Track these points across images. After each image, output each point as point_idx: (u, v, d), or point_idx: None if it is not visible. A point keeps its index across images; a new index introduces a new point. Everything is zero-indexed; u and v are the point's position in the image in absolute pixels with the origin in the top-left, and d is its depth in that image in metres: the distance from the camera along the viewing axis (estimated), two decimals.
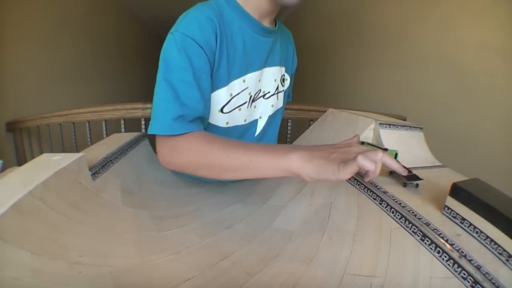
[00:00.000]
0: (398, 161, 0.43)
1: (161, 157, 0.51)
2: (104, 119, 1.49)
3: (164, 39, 0.53)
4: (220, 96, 0.57)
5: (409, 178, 0.48)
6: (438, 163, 0.62)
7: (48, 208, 0.41)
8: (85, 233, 0.44)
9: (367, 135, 0.65)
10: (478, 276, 0.30)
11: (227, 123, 0.61)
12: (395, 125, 0.65)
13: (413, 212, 0.40)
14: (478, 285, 0.30)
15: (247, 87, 0.61)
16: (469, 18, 1.36)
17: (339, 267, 0.40)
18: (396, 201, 0.42)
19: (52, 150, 1.80)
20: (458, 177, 0.43)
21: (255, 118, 0.68)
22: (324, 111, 0.85)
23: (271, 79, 0.67)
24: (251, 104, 0.64)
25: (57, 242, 0.39)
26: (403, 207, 0.41)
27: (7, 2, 1.82)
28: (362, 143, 0.62)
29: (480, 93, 1.32)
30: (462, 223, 0.36)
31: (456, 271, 0.32)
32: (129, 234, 0.48)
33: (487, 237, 0.33)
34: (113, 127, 1.47)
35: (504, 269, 0.30)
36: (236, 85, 0.59)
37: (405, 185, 0.49)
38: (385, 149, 0.58)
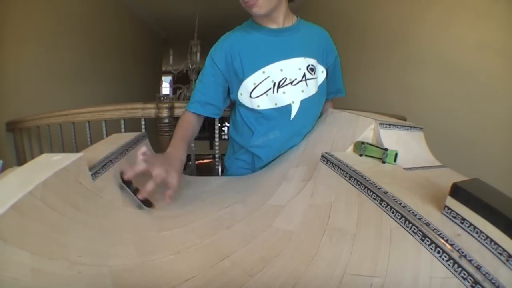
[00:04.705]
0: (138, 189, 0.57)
1: None
2: (104, 119, 1.48)
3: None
4: (247, 85, 0.78)
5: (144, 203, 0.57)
6: (438, 163, 0.62)
7: (48, 208, 0.41)
8: (85, 233, 0.44)
9: (367, 135, 0.64)
10: (478, 276, 0.30)
11: (258, 105, 0.79)
12: (395, 125, 0.65)
13: (413, 212, 0.40)
14: (478, 285, 0.30)
15: (268, 76, 0.77)
16: (469, 18, 1.36)
17: (339, 267, 0.40)
18: (396, 201, 0.42)
19: (52, 150, 1.79)
20: (458, 177, 0.43)
21: (287, 102, 0.78)
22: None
23: (295, 68, 0.78)
24: (277, 90, 0.78)
25: (57, 242, 0.39)
26: (403, 207, 0.41)
27: (7, 2, 1.82)
28: (362, 143, 0.62)
29: (480, 93, 1.32)
30: (462, 223, 0.36)
31: (456, 271, 0.32)
32: (129, 234, 0.48)
33: (487, 237, 0.33)
34: (113, 127, 1.47)
35: (504, 269, 0.30)
36: (257, 76, 0.77)
37: (140, 206, 0.57)
38: (385, 149, 0.57)
